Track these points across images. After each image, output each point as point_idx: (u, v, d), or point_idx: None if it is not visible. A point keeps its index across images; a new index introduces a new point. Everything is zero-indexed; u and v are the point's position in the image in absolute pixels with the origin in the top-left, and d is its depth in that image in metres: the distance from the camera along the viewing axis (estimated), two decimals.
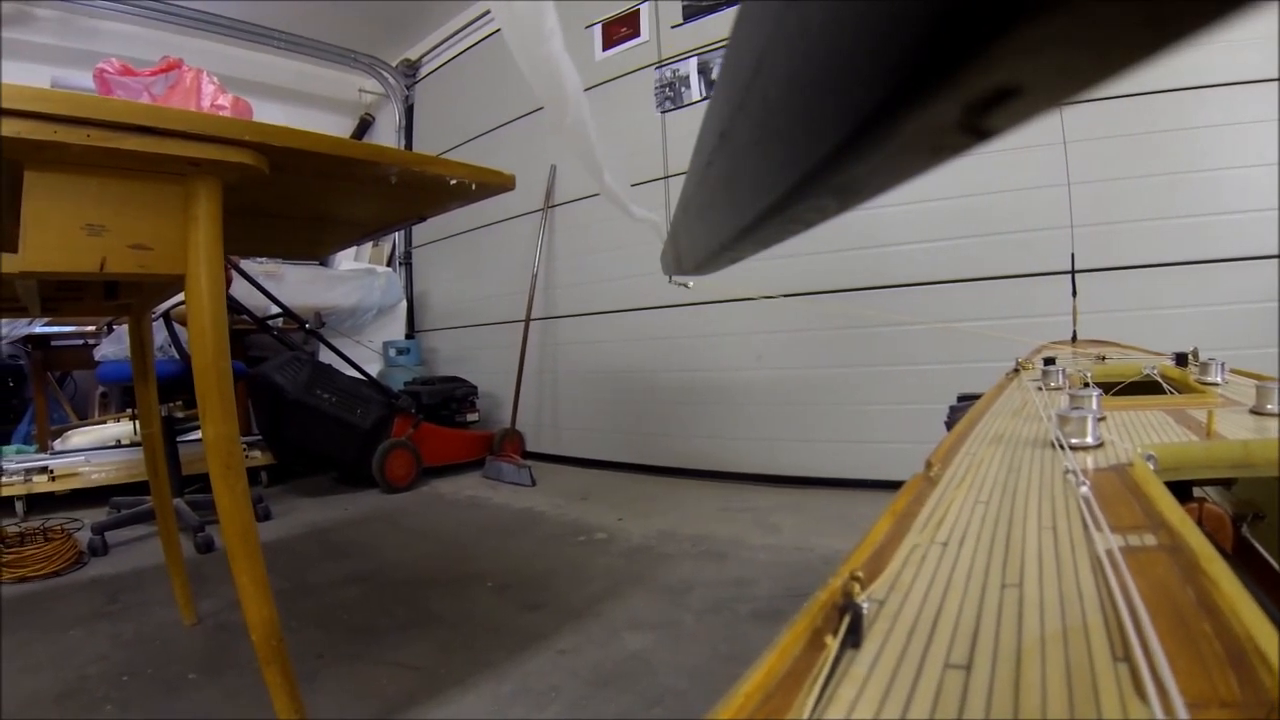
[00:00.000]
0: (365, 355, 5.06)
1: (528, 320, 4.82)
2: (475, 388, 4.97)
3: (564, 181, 4.88)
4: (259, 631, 1.27)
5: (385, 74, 6.27)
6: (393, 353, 5.40)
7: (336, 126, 6.22)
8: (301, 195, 1.67)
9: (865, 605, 0.39)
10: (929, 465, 0.76)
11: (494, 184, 1.71)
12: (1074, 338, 2.24)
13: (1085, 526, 0.51)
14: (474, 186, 1.66)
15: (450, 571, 2.65)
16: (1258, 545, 0.79)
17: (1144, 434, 0.82)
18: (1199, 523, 0.72)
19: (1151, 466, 0.68)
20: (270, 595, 1.29)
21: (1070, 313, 2.26)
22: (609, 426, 4.70)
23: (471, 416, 4.88)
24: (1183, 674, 0.29)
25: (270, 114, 4.67)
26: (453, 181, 1.60)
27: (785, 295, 3.66)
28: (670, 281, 2.08)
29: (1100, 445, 0.77)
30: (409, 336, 5.87)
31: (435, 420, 4.57)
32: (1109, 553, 0.45)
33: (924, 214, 3.45)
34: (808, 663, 0.35)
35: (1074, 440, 0.78)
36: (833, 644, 0.36)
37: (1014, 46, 0.13)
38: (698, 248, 0.63)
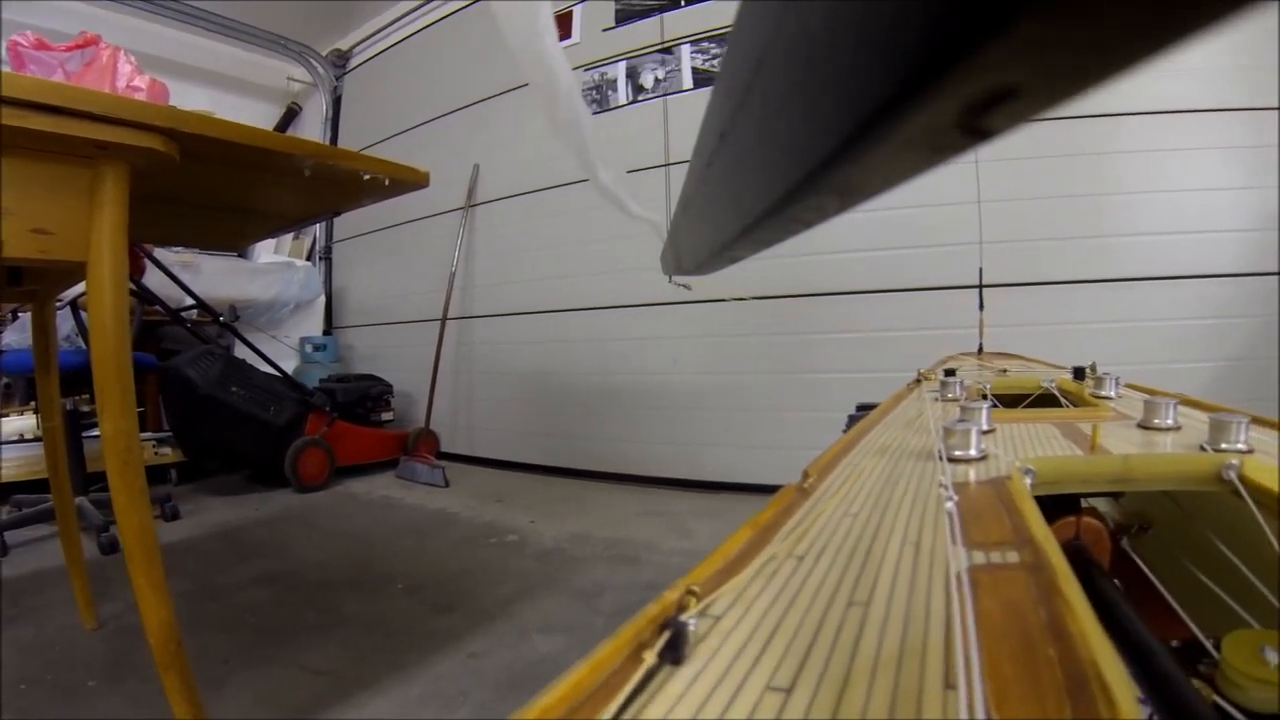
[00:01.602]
0: (281, 351, 4.91)
1: (444, 319, 4.78)
2: (391, 386, 4.91)
3: (486, 181, 4.87)
4: (156, 635, 1.23)
5: (315, 63, 6.13)
6: (309, 349, 5.28)
7: (263, 114, 6.07)
8: (217, 184, 1.62)
9: (693, 622, 0.38)
10: (805, 476, 0.75)
11: (408, 181, 1.69)
12: (980, 350, 2.30)
13: (949, 543, 0.51)
14: (388, 182, 1.64)
15: (362, 573, 2.61)
16: (1135, 557, 0.81)
17: (1030, 447, 0.83)
18: (1077, 536, 0.75)
19: (1029, 481, 0.68)
20: (168, 598, 1.25)
21: (978, 325, 2.32)
22: (524, 428, 4.69)
23: (386, 415, 4.83)
24: (1016, 702, 0.29)
25: (195, 98, 4.53)
26: (366, 176, 1.58)
27: (707, 301, 3.72)
28: (670, 281, 2.09)
29: (983, 458, 0.78)
30: (326, 333, 5.76)
31: (350, 419, 4.49)
32: (963, 572, 0.44)
33: (844, 225, 3.49)
34: (622, 678, 0.34)
35: (957, 452, 0.78)
36: (650, 660, 0.35)
37: (1014, 46, 0.13)
38: (698, 248, 0.63)
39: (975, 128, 0.17)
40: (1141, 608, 0.69)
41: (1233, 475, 0.68)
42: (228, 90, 5.65)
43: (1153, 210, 3.18)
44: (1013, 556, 0.47)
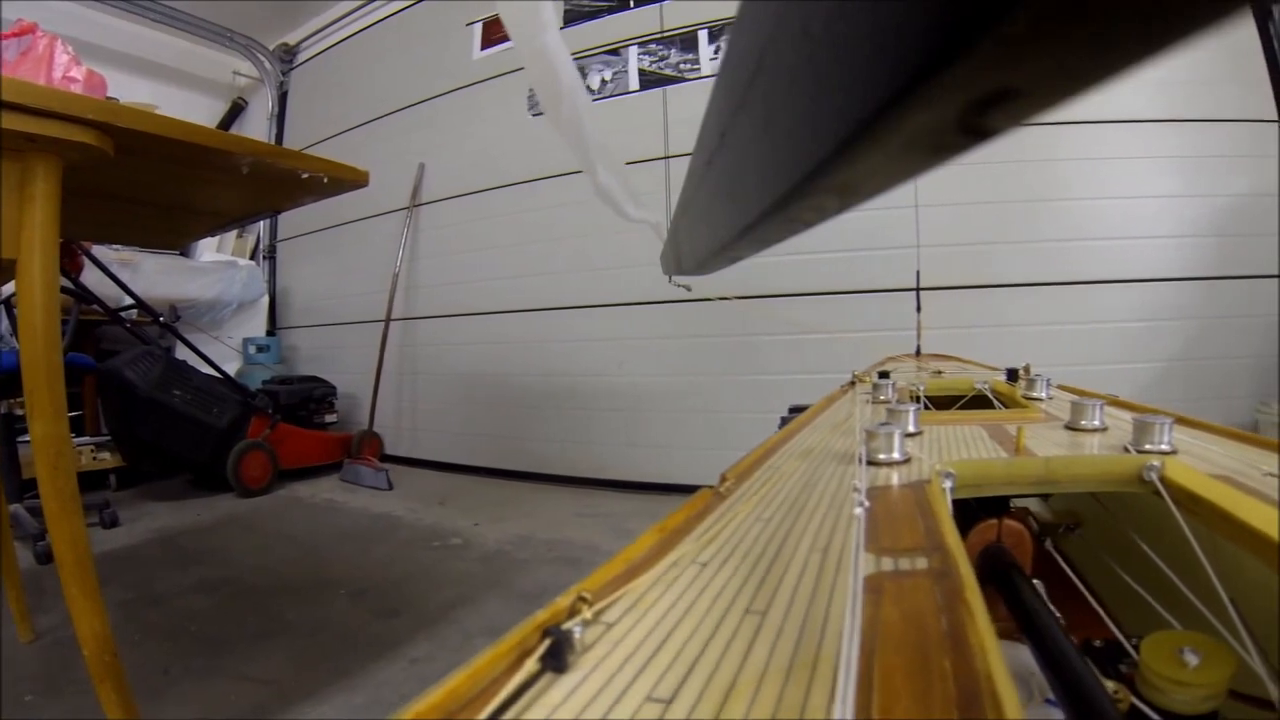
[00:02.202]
0: (223, 352, 4.82)
1: (387, 320, 4.74)
2: (334, 388, 4.85)
3: (431, 180, 4.84)
4: (91, 646, 1.19)
5: (261, 57, 5.99)
6: (252, 350, 5.18)
7: (208, 109, 5.95)
8: (155, 180, 1.58)
9: (578, 629, 0.38)
10: (723, 479, 0.75)
11: (348, 180, 1.67)
12: (918, 351, 2.34)
13: (857, 549, 0.50)
14: (326, 181, 1.62)
15: (305, 578, 2.57)
16: (1058, 558, 0.82)
17: (955, 450, 0.83)
18: (998, 538, 0.75)
19: (949, 484, 0.68)
20: (103, 607, 1.21)
21: (916, 327, 2.39)
22: (468, 430, 4.67)
23: (330, 418, 4.77)
24: (903, 715, 0.29)
25: (138, 90, 4.44)
26: (305, 175, 1.56)
27: (651, 303, 3.78)
28: (670, 282, 2.08)
29: (906, 461, 0.78)
30: (270, 333, 5.63)
31: (293, 421, 4.43)
32: (869, 579, 0.44)
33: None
34: (500, 685, 0.33)
35: (880, 456, 0.78)
36: (531, 667, 0.35)
37: (1014, 47, 0.13)
38: (698, 247, 0.62)
39: (975, 128, 0.17)
40: (1068, 608, 0.69)
41: (1154, 476, 0.69)
42: (172, 83, 5.52)
43: (1092, 216, 3.32)
44: (921, 563, 0.47)
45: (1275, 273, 3.29)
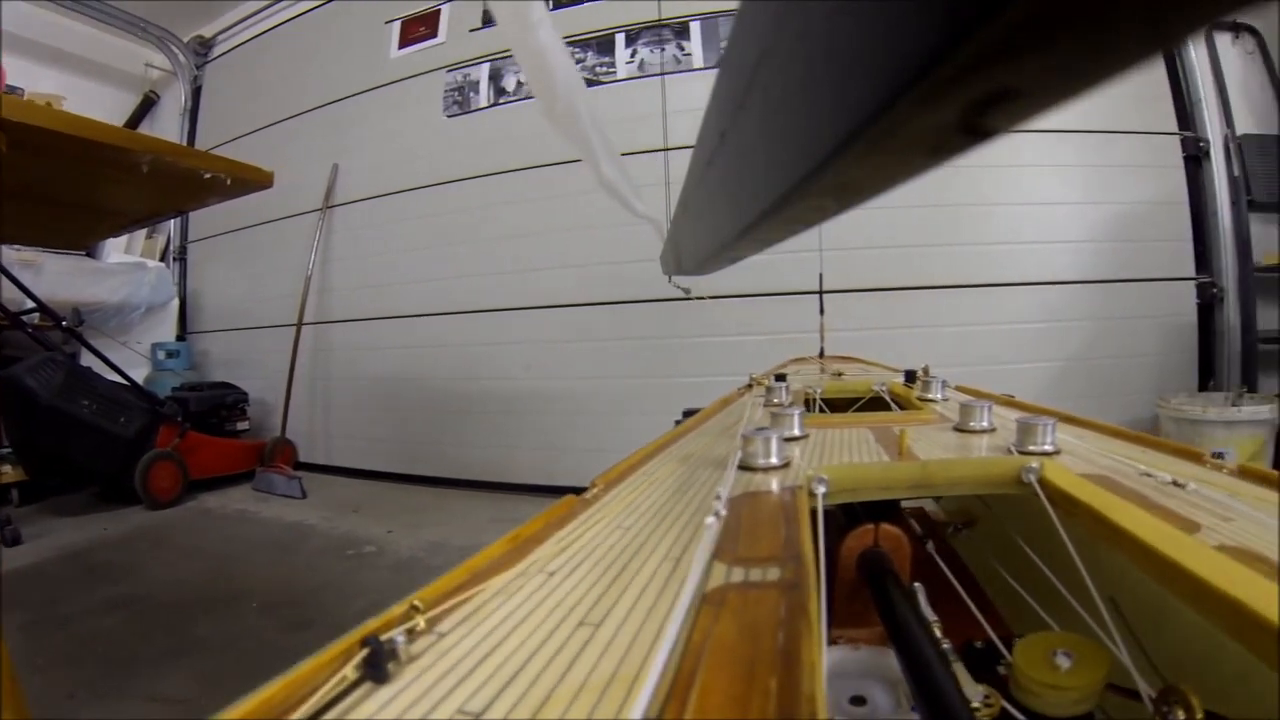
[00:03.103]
0: (130, 358, 4.62)
1: (299, 324, 4.65)
2: (246, 394, 4.73)
3: (346, 181, 4.75)
4: None
5: (175, 50, 5.74)
6: (161, 355, 5.00)
7: (118, 102, 5.66)
8: (55, 177, 1.52)
9: (401, 639, 0.37)
10: (592, 485, 0.75)
11: (252, 181, 1.64)
12: (821, 353, 2.36)
13: (708, 560, 0.50)
14: (229, 182, 1.58)
15: (217, 592, 2.50)
16: (939, 560, 0.82)
17: (838, 454, 0.83)
18: (875, 543, 0.75)
19: (822, 489, 0.68)
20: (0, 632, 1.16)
21: (819, 330, 2.45)
22: (382, 436, 4.62)
23: (242, 425, 4.65)
24: None
25: (44, 80, 4.26)
26: (207, 175, 1.52)
27: (563, 305, 3.84)
28: (670, 282, 2.07)
29: (785, 465, 0.77)
30: (180, 338, 5.43)
31: (203, 429, 4.30)
32: (713, 591, 0.44)
33: None
34: (316, 695, 0.33)
35: (759, 461, 0.77)
36: (349, 676, 0.34)
37: (1013, 47, 0.13)
38: (698, 247, 0.62)
39: (976, 128, 0.17)
40: (954, 609, 0.70)
41: (1032, 478, 0.70)
42: (81, 74, 5.27)
43: (1001, 221, 3.48)
44: (774, 574, 0.46)
45: (1172, 275, 3.47)
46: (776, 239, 0.39)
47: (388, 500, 3.99)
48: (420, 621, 0.40)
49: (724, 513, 0.60)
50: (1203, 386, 3.52)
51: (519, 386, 4.10)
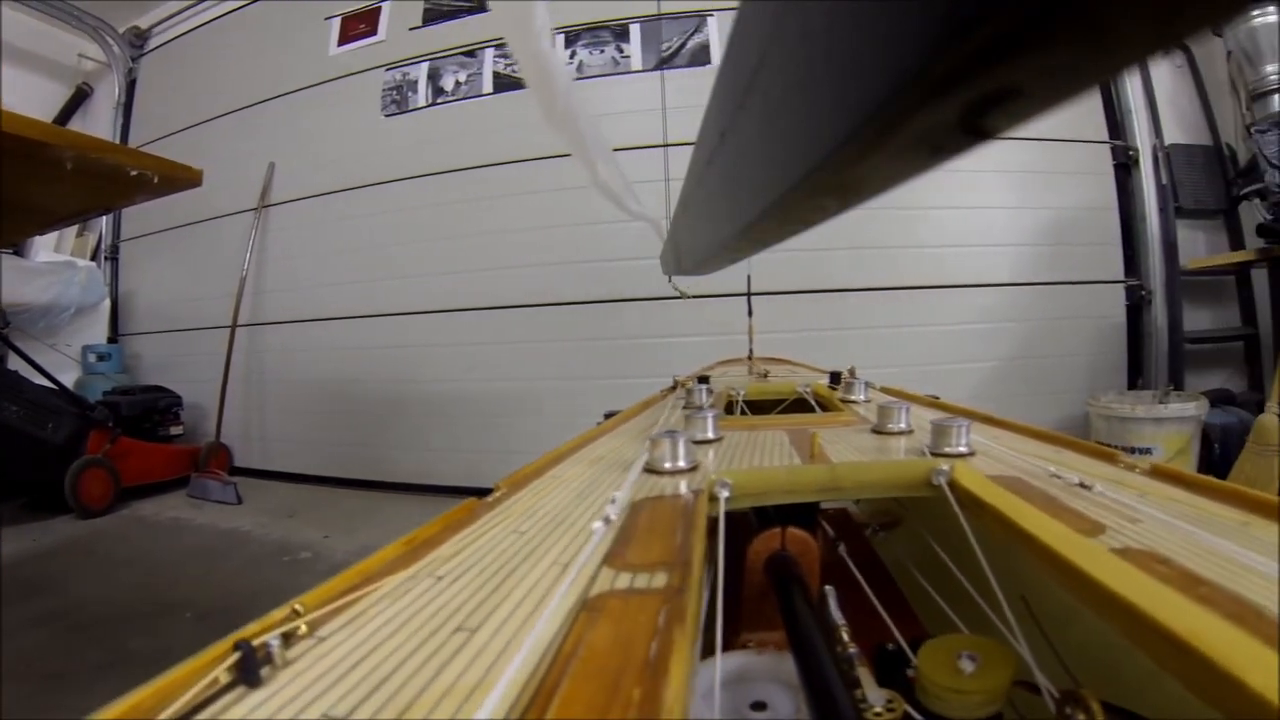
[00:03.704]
0: (59, 361, 4.51)
1: (234, 326, 4.55)
2: (180, 398, 4.63)
3: (283, 180, 4.66)
4: None
5: (111, 40, 5.51)
6: (92, 358, 4.86)
7: (49, 94, 5.45)
8: None
9: (275, 643, 0.37)
10: (496, 487, 0.75)
11: (180, 178, 1.60)
12: (750, 355, 2.38)
13: (595, 566, 0.50)
14: (157, 179, 1.54)
15: (150, 603, 2.44)
16: (849, 562, 0.83)
17: (750, 457, 0.83)
18: (782, 547, 0.74)
19: (725, 493, 0.68)
20: None
21: (748, 331, 2.48)
22: (320, 439, 4.55)
23: (175, 430, 4.56)
24: None
25: None
26: (134, 173, 1.48)
27: (503, 307, 3.86)
28: (670, 283, 2.05)
29: (693, 469, 0.77)
30: (111, 340, 5.26)
31: (136, 434, 4.18)
32: (595, 598, 0.44)
33: (637, 230, 3.62)
34: (188, 701, 0.33)
35: (666, 464, 0.77)
36: (222, 679, 0.35)
37: (1014, 46, 0.13)
38: (698, 247, 0.61)
39: (976, 128, 0.17)
40: (866, 613, 0.70)
41: (942, 481, 0.70)
42: (11, 63, 5.01)
43: (937, 225, 3.61)
44: (660, 580, 0.46)
45: (1102, 278, 3.59)
46: (777, 239, 0.39)
47: (324, 505, 3.94)
48: (301, 625, 0.40)
49: (614, 518, 0.60)
50: (1131, 385, 3.66)
51: (458, 389, 4.08)
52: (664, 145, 2.33)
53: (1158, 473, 0.72)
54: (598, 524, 0.58)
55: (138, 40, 5.63)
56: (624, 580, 0.47)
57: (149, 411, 4.39)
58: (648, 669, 0.34)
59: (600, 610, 0.42)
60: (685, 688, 0.33)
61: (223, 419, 4.54)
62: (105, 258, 5.50)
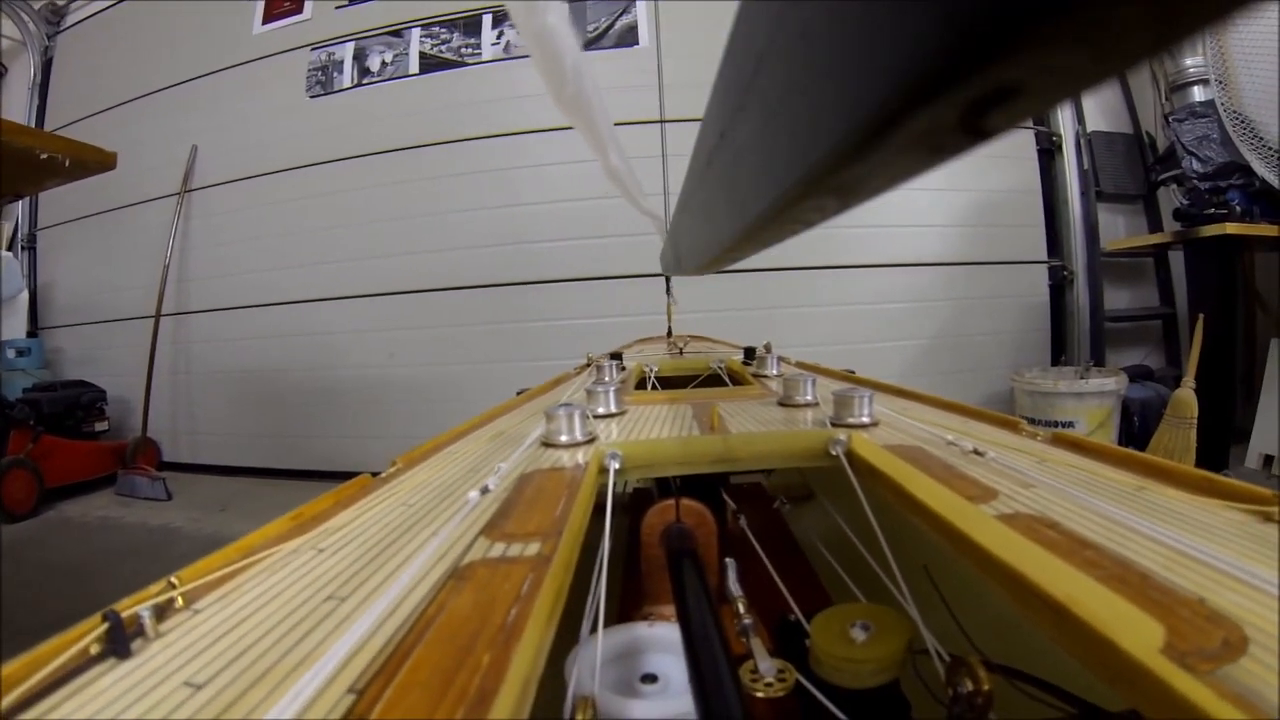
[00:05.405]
0: None
1: (158, 315, 4.42)
2: (104, 393, 4.47)
3: (206, 164, 4.53)
4: None
5: (25, 16, 5.20)
6: (11, 354, 4.64)
7: None
8: None
9: (146, 613, 0.38)
10: (392, 464, 0.76)
11: (93, 162, 1.55)
12: (669, 333, 2.44)
13: (471, 535, 0.51)
14: (68, 163, 1.49)
15: (75, 610, 2.24)
16: (749, 534, 0.85)
17: (650, 429, 0.84)
18: (678, 519, 0.76)
19: (616, 465, 0.70)
20: None
21: (666, 311, 2.53)
22: (249, 430, 4.46)
23: (100, 426, 4.41)
24: (403, 709, 0.29)
25: None
26: (44, 156, 1.43)
27: (426, 290, 3.89)
28: (668, 285, 2.02)
29: (589, 441, 0.78)
30: (31, 334, 5.05)
31: (59, 432, 4.04)
32: (465, 566, 0.45)
33: (553, 215, 3.77)
34: (57, 671, 0.34)
35: (562, 438, 0.78)
36: (91, 650, 0.35)
37: (1014, 46, 0.13)
38: (698, 247, 0.61)
39: (976, 127, 0.17)
40: (768, 584, 0.73)
41: (839, 450, 0.72)
42: None
43: (867, 205, 3.54)
44: (533, 549, 0.47)
45: (1027, 259, 3.71)
46: (777, 239, 0.39)
47: (255, 496, 3.89)
48: (178, 597, 0.41)
49: (493, 488, 0.61)
50: (1055, 362, 3.79)
51: (383, 375, 4.06)
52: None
53: (1058, 440, 0.74)
54: (473, 494, 0.59)
55: (54, 17, 5.33)
56: (498, 549, 0.48)
57: (72, 408, 4.24)
58: (501, 634, 0.35)
59: (468, 578, 0.42)
60: (537, 653, 0.34)
61: (149, 413, 4.42)
62: (22, 247, 5.24)
